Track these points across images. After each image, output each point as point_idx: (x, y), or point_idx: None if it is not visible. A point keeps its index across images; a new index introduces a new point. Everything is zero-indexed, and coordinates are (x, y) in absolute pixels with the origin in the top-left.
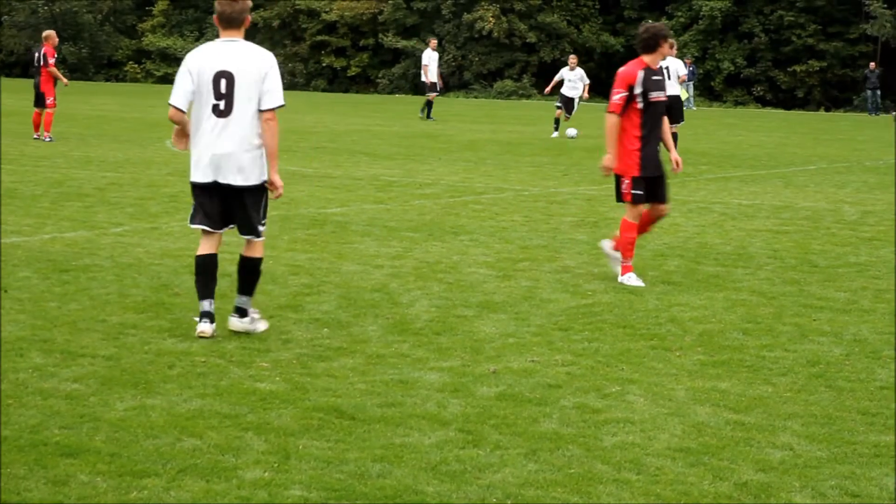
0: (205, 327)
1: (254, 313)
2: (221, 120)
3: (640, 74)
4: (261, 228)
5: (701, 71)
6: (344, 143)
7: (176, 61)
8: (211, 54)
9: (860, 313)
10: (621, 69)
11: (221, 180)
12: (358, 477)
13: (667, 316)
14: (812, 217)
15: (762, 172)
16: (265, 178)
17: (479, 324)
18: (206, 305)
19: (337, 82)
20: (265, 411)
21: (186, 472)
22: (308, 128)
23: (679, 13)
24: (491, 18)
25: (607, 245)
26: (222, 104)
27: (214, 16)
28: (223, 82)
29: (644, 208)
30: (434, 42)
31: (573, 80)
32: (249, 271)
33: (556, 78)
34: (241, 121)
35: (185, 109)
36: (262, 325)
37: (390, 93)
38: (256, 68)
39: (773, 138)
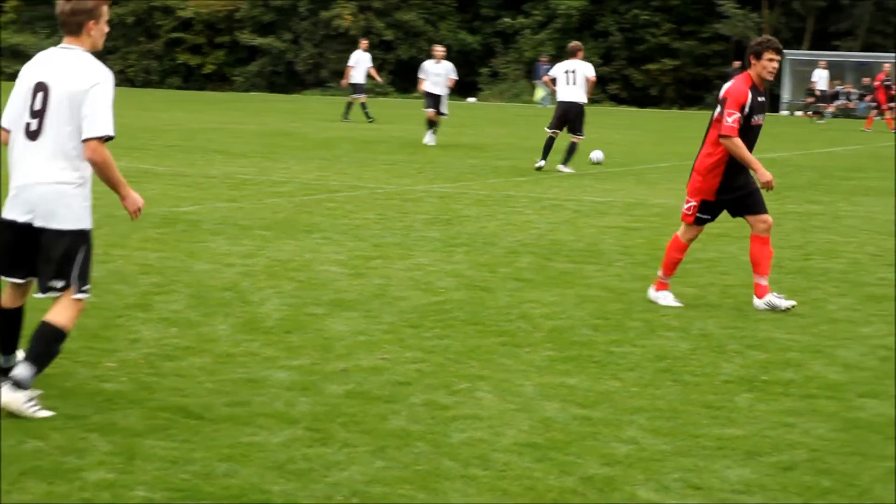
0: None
1: (32, 394)
2: (31, 143)
3: (750, 93)
4: (58, 284)
5: None
6: (198, 142)
7: (28, 59)
8: (37, 62)
9: (707, 308)
10: (731, 87)
11: (20, 218)
12: (204, 477)
13: (518, 312)
14: (663, 214)
15: (615, 170)
16: (82, 225)
17: (329, 322)
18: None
19: (192, 80)
20: (111, 412)
21: (28, 475)
22: (161, 126)
23: (536, 11)
24: (348, 16)
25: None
26: (35, 123)
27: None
28: (39, 96)
29: (697, 233)
30: (365, 43)
31: (440, 74)
32: (39, 338)
33: (422, 74)
34: (51, 146)
35: (10, 129)
36: (34, 410)
37: (246, 90)
38: (76, 85)
39: (627, 136)
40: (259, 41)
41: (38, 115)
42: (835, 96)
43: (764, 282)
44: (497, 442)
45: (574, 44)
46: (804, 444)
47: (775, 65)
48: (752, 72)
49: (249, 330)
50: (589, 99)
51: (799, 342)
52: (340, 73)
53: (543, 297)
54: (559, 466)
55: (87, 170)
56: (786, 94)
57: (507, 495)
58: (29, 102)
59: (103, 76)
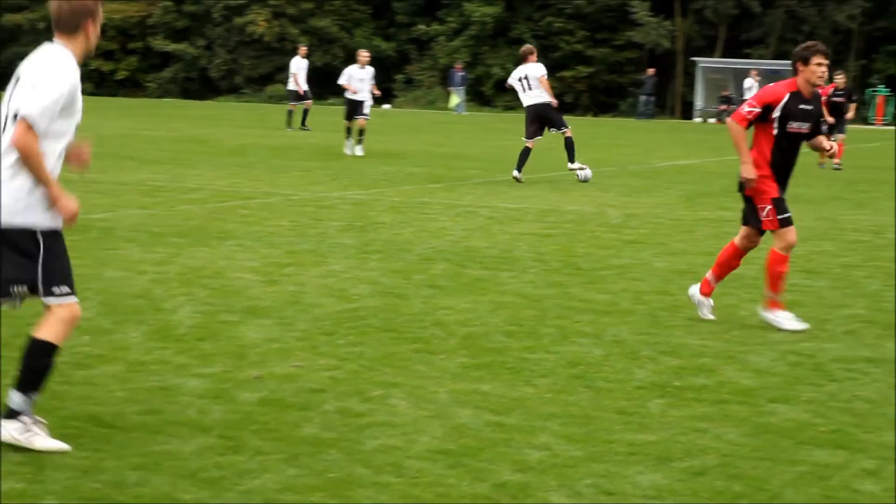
0: None
1: (30, 421)
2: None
3: (786, 97)
4: (14, 289)
5: (472, 76)
6: (110, 148)
7: None
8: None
9: (620, 315)
10: (767, 85)
11: None
12: (115, 486)
13: (432, 319)
14: (577, 220)
15: (530, 176)
16: (44, 223)
17: (243, 329)
18: None
19: (104, 86)
20: None
21: None
22: None
23: (451, 18)
24: (262, 22)
25: (696, 291)
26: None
27: None
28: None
29: (793, 234)
30: (304, 49)
31: (364, 79)
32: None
33: (344, 79)
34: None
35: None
36: (40, 441)
37: (159, 97)
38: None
39: (542, 143)
40: (172, 47)
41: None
42: None
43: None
44: (410, 449)
45: (524, 48)
46: (715, 450)
47: (824, 69)
48: (799, 78)
49: (162, 338)
50: (554, 96)
51: (711, 348)
52: (254, 79)
53: (457, 304)
54: (472, 473)
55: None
56: (699, 102)
57: (421, 502)
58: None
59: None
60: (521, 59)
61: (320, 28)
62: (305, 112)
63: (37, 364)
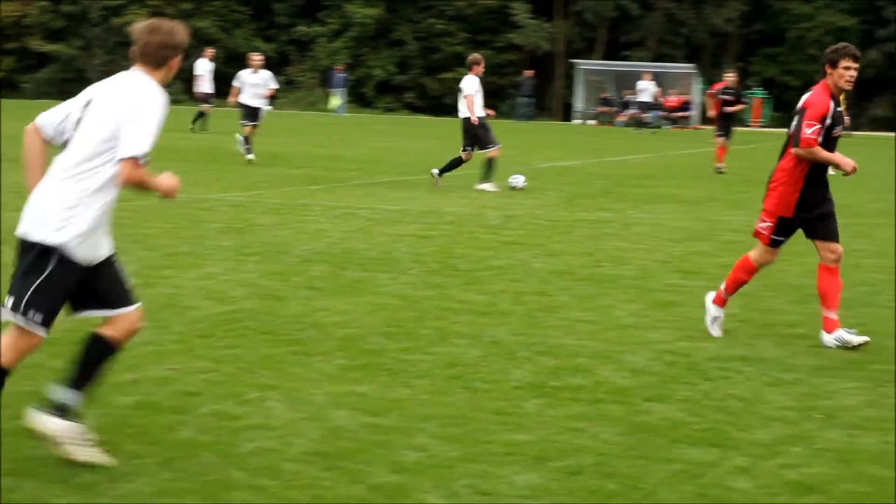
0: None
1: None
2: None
3: (831, 104)
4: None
5: (353, 78)
6: None
7: None
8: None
9: (498, 315)
10: (811, 97)
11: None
12: None
13: (310, 321)
14: (456, 221)
15: (409, 178)
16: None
17: None
18: None
19: None
20: None
21: None
22: None
23: (331, 20)
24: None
25: (710, 300)
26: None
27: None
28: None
29: (773, 256)
30: (210, 52)
31: (258, 84)
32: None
33: (237, 83)
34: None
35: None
36: (81, 453)
37: (37, 97)
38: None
39: (422, 144)
40: (49, 48)
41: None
42: (626, 105)
43: (833, 315)
44: (286, 451)
45: (469, 57)
46: (591, 449)
47: (853, 73)
48: (828, 81)
49: None
50: (480, 113)
51: (588, 348)
52: None
53: (336, 306)
54: (348, 475)
55: None
56: (578, 104)
57: None
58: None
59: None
60: (467, 70)
61: (200, 29)
62: (201, 114)
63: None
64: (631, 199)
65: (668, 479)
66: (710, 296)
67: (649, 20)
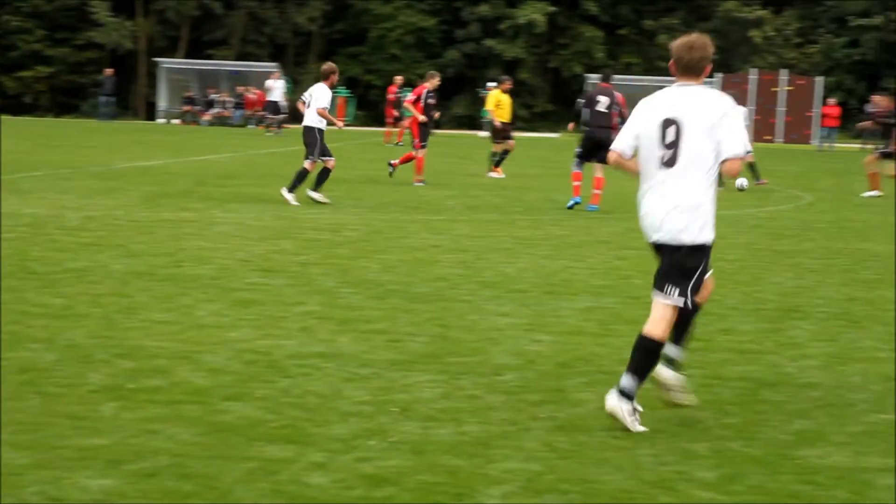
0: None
1: (635, 406)
2: (668, 170)
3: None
4: (673, 291)
5: None
6: None
7: None
8: (662, 100)
9: (75, 318)
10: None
11: (659, 238)
12: None
13: None
14: (34, 224)
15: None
16: (706, 238)
17: None
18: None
19: None
20: None
21: None
22: None
23: None
24: None
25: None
26: (669, 154)
27: (671, 61)
28: (671, 130)
29: None
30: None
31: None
32: (638, 350)
33: None
34: (685, 173)
35: (627, 155)
36: (636, 425)
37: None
38: (708, 114)
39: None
40: None
41: (673, 146)
42: (211, 104)
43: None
44: None
45: (324, 66)
46: (167, 450)
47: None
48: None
49: None
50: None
51: (167, 349)
52: None
53: None
54: None
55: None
56: (162, 103)
57: None
58: (659, 136)
59: (729, 104)
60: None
61: None
62: None
63: (650, 361)
64: (214, 198)
65: (245, 478)
66: None
67: (233, 19)
